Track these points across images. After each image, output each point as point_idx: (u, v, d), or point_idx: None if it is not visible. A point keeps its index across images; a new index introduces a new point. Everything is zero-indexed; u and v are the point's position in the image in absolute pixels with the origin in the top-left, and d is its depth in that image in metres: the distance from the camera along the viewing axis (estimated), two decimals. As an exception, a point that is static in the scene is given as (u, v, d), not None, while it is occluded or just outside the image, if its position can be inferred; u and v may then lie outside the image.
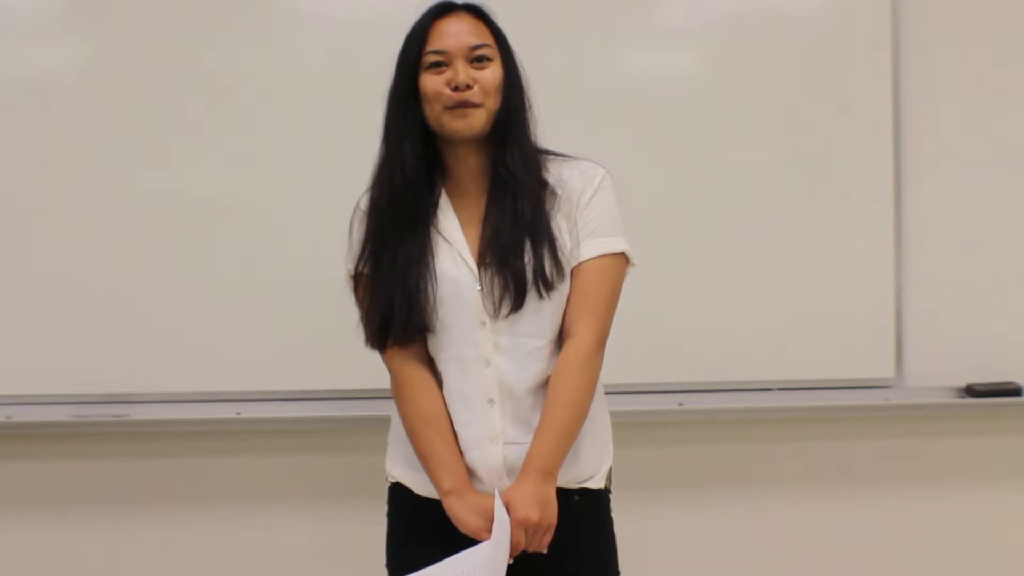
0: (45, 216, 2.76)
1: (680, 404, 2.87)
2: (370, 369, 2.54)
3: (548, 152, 2.07)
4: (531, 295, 1.96)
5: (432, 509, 2.01)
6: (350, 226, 2.10)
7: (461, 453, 2.00)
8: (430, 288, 1.98)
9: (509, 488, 1.94)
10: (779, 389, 2.93)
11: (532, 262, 1.96)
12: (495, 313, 1.97)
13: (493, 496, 1.93)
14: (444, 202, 2.04)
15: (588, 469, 2.05)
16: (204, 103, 2.78)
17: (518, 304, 1.96)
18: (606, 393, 2.11)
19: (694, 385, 2.89)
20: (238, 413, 2.79)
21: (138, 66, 2.77)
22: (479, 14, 2.02)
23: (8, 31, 2.76)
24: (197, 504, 2.92)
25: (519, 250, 1.96)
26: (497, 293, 1.96)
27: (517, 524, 1.89)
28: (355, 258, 2.06)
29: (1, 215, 2.75)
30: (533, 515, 1.89)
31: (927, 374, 2.98)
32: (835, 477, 3.07)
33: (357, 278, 2.07)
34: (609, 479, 2.11)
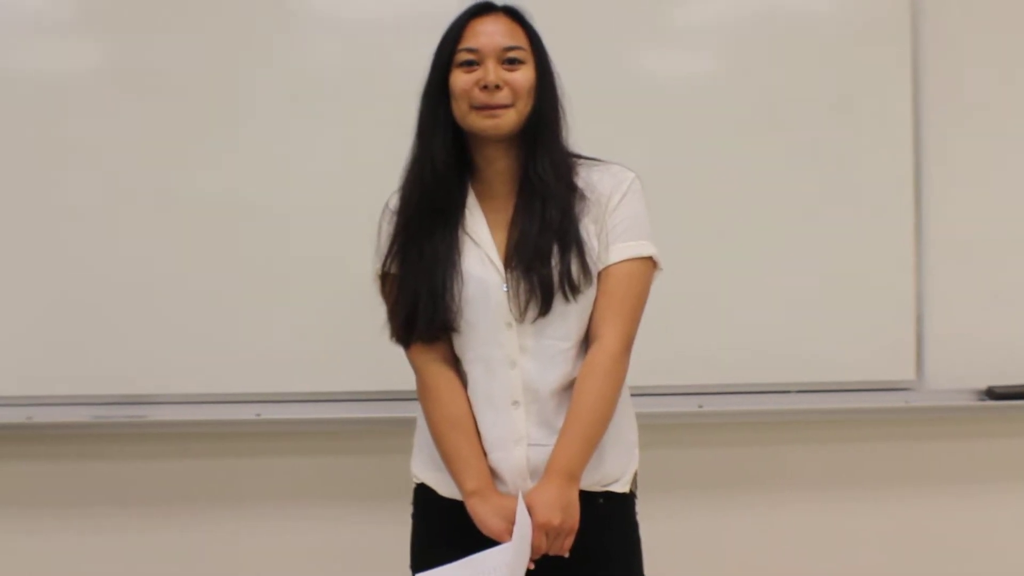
0: (66, 217, 2.76)
1: (700, 406, 2.87)
2: (391, 371, 2.54)
3: (579, 156, 2.07)
4: (558, 299, 1.96)
5: (456, 511, 2.00)
6: (379, 225, 2.10)
7: (485, 454, 2.00)
8: (456, 287, 1.98)
9: (531, 491, 1.94)
10: (799, 391, 2.93)
11: (559, 266, 1.95)
12: (521, 317, 1.97)
13: (516, 498, 1.93)
14: (472, 202, 2.04)
15: (613, 472, 2.05)
16: (224, 104, 2.79)
17: (545, 309, 1.96)
18: (629, 395, 2.11)
19: (714, 387, 2.89)
20: (258, 414, 2.79)
21: (156, 67, 2.78)
22: (516, 16, 2.03)
23: (26, 31, 2.77)
24: (217, 505, 2.92)
25: (546, 255, 1.96)
26: (524, 297, 1.96)
27: (539, 527, 1.89)
28: (383, 256, 2.06)
29: (22, 215, 2.76)
30: (555, 519, 1.89)
31: (947, 376, 2.97)
32: (855, 480, 3.06)
33: (384, 277, 2.07)
34: (635, 483, 2.10)
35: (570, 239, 1.97)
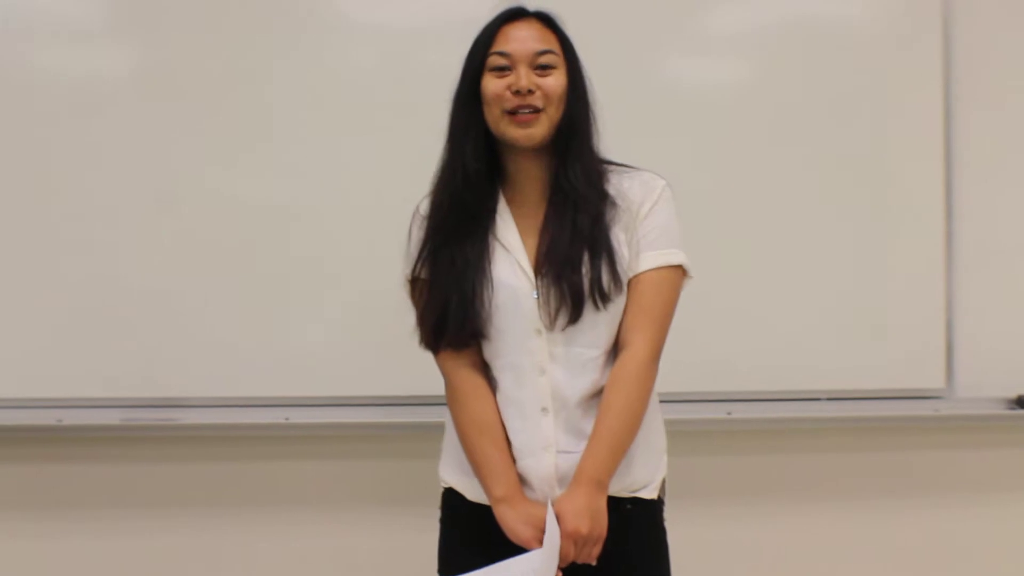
0: (97, 219, 2.77)
1: (729, 413, 2.86)
2: (420, 375, 2.55)
3: (609, 163, 2.06)
4: (588, 307, 1.96)
5: (484, 515, 2.00)
6: (409, 230, 2.10)
7: (513, 460, 2.00)
8: (486, 294, 1.98)
9: (560, 498, 1.94)
10: (828, 399, 2.92)
11: (589, 274, 1.95)
12: (551, 324, 1.97)
13: (544, 505, 1.93)
14: (503, 208, 2.03)
15: (641, 478, 2.04)
16: (254, 109, 2.79)
17: (575, 316, 1.96)
18: (658, 402, 2.11)
19: (743, 394, 2.88)
20: (287, 418, 2.79)
21: (183, 71, 2.78)
22: (548, 22, 2.02)
23: (54, 36, 2.78)
24: (246, 508, 2.93)
25: (577, 262, 1.95)
26: (554, 305, 1.96)
27: (567, 536, 1.89)
28: (413, 261, 2.06)
29: (54, 217, 2.77)
30: (583, 527, 1.89)
31: (978, 385, 2.96)
32: (884, 488, 3.05)
33: (414, 282, 2.07)
34: (663, 489, 2.10)
35: (600, 247, 1.96)
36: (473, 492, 2.06)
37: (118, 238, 2.77)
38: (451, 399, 2.07)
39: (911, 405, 2.94)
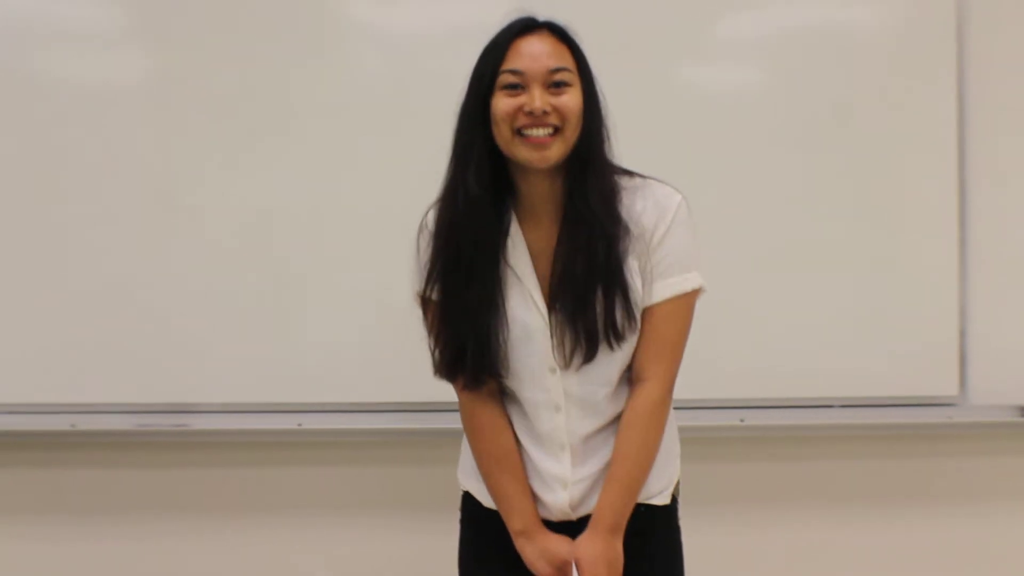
0: (109, 226, 2.78)
1: (742, 420, 2.86)
2: (432, 381, 2.54)
3: (622, 172, 1.98)
4: (602, 347, 1.92)
5: (499, 520, 2.03)
6: (416, 245, 2.04)
7: (531, 491, 2.01)
8: (502, 335, 1.93)
9: (579, 542, 1.96)
10: (841, 406, 2.90)
11: (603, 315, 1.89)
12: (566, 364, 1.94)
13: (561, 539, 1.98)
14: (514, 229, 1.96)
15: (655, 487, 2.04)
16: (267, 116, 2.80)
17: (590, 357, 1.92)
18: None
19: (756, 401, 2.87)
20: (300, 424, 2.80)
21: (198, 78, 2.80)
22: (561, 35, 1.92)
23: (72, 42, 2.80)
24: (259, 514, 2.94)
25: (590, 298, 1.89)
26: (568, 347, 1.92)
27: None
28: (423, 279, 2.01)
29: (67, 222, 2.78)
30: (602, 574, 1.92)
31: (991, 392, 2.94)
32: (897, 495, 3.03)
33: (426, 302, 2.02)
34: (676, 489, 2.11)
35: (615, 283, 1.89)
36: (488, 498, 2.07)
37: (132, 243, 2.78)
38: (468, 428, 2.07)
39: (924, 412, 2.92)
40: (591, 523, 1.95)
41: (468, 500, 2.14)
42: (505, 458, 2.00)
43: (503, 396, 2.03)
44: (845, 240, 2.89)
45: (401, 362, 2.68)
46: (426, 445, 2.85)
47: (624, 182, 1.96)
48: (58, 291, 2.78)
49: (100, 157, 2.78)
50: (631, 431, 1.95)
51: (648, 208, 1.94)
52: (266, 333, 2.79)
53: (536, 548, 1.97)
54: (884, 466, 3.03)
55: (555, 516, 2.01)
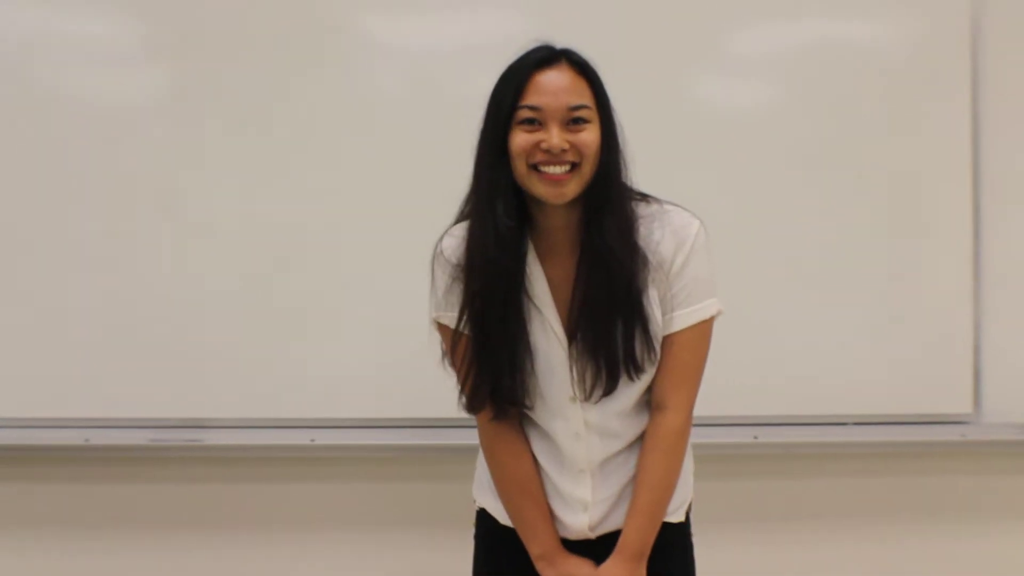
0: (124, 242, 2.79)
1: (755, 437, 2.85)
2: (446, 398, 2.54)
3: (639, 198, 1.97)
4: (623, 379, 1.92)
5: (515, 538, 2.04)
6: (431, 271, 2.03)
7: (551, 511, 2.03)
8: (527, 366, 1.94)
9: (603, 569, 1.97)
10: (854, 423, 2.90)
11: (623, 346, 1.89)
12: (587, 396, 1.94)
13: (582, 562, 1.99)
14: (532, 259, 1.95)
15: (671, 505, 2.05)
16: (282, 132, 2.81)
17: (610, 390, 1.93)
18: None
19: (769, 419, 2.87)
20: (313, 439, 2.80)
21: (215, 94, 2.81)
22: (581, 68, 1.89)
23: (88, 61, 2.81)
24: (271, 529, 2.93)
25: (611, 331, 1.89)
26: (589, 380, 1.93)
27: None
28: (440, 306, 2.02)
29: (81, 240, 2.79)
30: None
31: (1006, 410, 2.93)
32: (911, 513, 3.02)
33: (448, 331, 2.02)
34: (689, 507, 2.12)
35: (635, 315, 1.90)
36: (504, 516, 2.08)
37: (146, 259, 2.79)
38: (488, 454, 2.08)
39: (938, 430, 2.92)
40: (617, 549, 1.96)
41: (484, 517, 2.14)
42: (526, 484, 2.01)
43: (523, 420, 2.04)
44: (859, 257, 2.88)
45: (415, 378, 2.69)
46: (439, 461, 2.84)
47: (641, 209, 1.95)
48: (72, 306, 2.78)
49: (114, 173, 2.79)
50: (654, 458, 1.96)
51: (666, 237, 1.93)
52: (280, 348, 2.80)
53: (556, 571, 1.99)
54: (898, 484, 3.02)
55: (574, 535, 2.03)
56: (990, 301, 2.92)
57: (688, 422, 1.99)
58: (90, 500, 2.92)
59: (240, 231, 2.80)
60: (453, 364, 2.02)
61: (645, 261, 1.90)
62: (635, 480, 1.97)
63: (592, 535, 2.02)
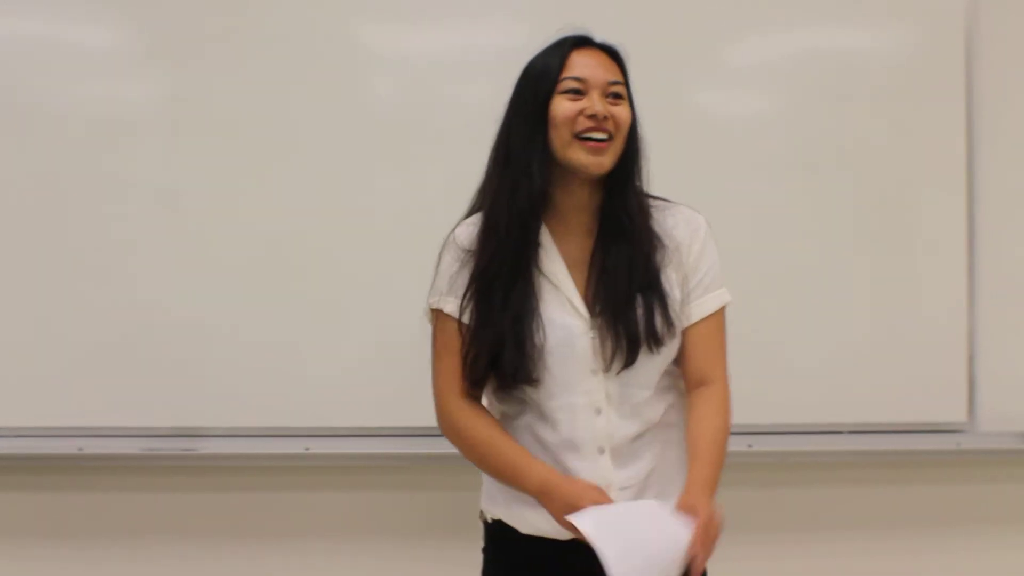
0: (118, 250, 2.79)
1: (750, 446, 2.85)
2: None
3: (648, 196, 2.06)
4: (643, 351, 1.95)
5: (536, 546, 2.02)
6: (438, 258, 2.06)
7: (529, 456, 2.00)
8: (539, 337, 1.95)
9: (683, 498, 1.89)
10: (849, 432, 2.90)
11: (643, 318, 1.95)
12: (607, 367, 1.96)
13: (586, 485, 1.91)
14: (547, 240, 2.00)
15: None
16: (279, 142, 2.81)
17: (631, 360, 1.95)
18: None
19: (764, 427, 2.87)
20: (307, 448, 2.80)
21: (216, 104, 2.81)
22: (612, 53, 2.02)
23: (83, 68, 2.81)
24: (265, 539, 2.93)
25: (631, 304, 1.95)
26: (609, 349, 1.95)
27: (704, 522, 1.84)
28: (439, 292, 2.04)
29: (75, 248, 2.79)
30: (716, 516, 1.86)
31: (1000, 419, 2.94)
32: (905, 522, 3.03)
33: (439, 316, 2.04)
34: None
35: (654, 290, 1.97)
36: (524, 524, 2.05)
37: (140, 268, 2.79)
38: (454, 433, 2.06)
39: (933, 439, 2.92)
40: (685, 488, 1.91)
41: (497, 529, 2.11)
42: (497, 435, 2.00)
43: (520, 418, 2.04)
44: (853, 267, 2.89)
45: (409, 386, 2.67)
46: (434, 470, 2.84)
47: (651, 203, 2.06)
48: (66, 315, 2.78)
49: (108, 181, 2.79)
50: (707, 410, 1.98)
51: (679, 224, 2.04)
52: (273, 357, 2.79)
53: (555, 504, 1.90)
54: (892, 492, 3.03)
55: None
56: (984, 309, 2.92)
57: (729, 395, 2.03)
58: (83, 509, 2.91)
59: (235, 240, 2.80)
60: (437, 354, 2.05)
61: (661, 242, 2.00)
62: (690, 435, 1.97)
63: None
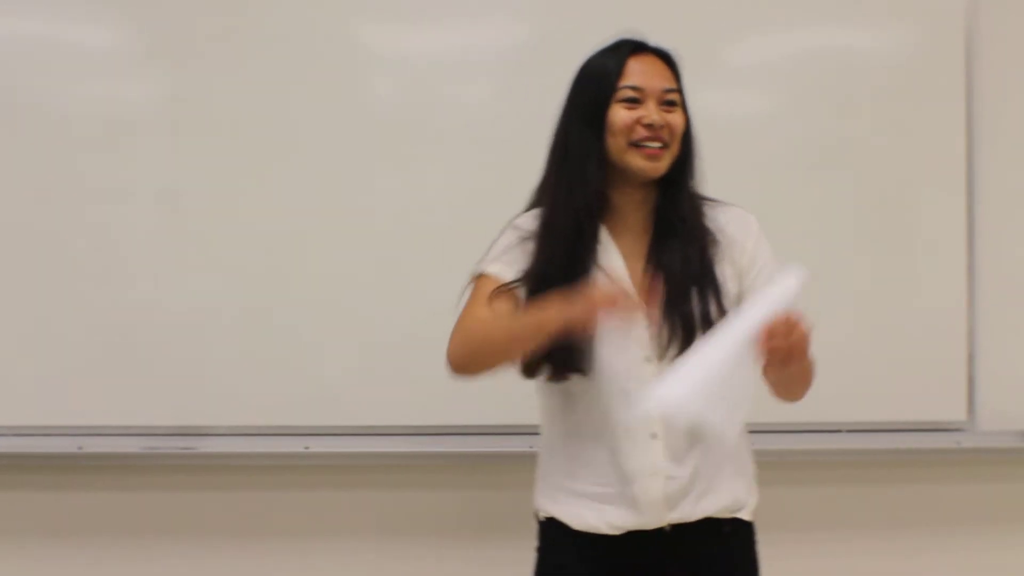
0: (118, 249, 2.80)
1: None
2: (442, 405, 2.55)
3: (702, 197, 2.12)
4: (697, 338, 1.96)
5: (590, 543, 2.03)
6: (499, 237, 2.09)
7: (609, 497, 2.02)
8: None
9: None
10: (848, 431, 2.90)
11: (699, 307, 1.99)
12: (662, 355, 1.99)
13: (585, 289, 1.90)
14: (604, 236, 2.05)
15: (740, 499, 2.11)
16: (279, 142, 2.81)
17: (685, 348, 1.96)
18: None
19: (763, 426, 2.79)
20: (307, 447, 2.80)
21: (217, 104, 2.81)
22: (669, 61, 2.07)
23: (84, 69, 2.82)
24: (265, 538, 2.93)
25: (687, 295, 1.99)
26: (666, 336, 1.98)
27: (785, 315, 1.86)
28: (494, 259, 2.05)
29: (75, 247, 2.79)
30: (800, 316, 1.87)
31: (1000, 417, 2.93)
32: (905, 521, 3.02)
33: (485, 280, 2.03)
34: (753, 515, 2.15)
35: (708, 282, 2.02)
36: (577, 519, 2.06)
37: (140, 267, 2.79)
38: (476, 334, 1.98)
39: (932, 438, 2.92)
40: None
41: (552, 527, 2.11)
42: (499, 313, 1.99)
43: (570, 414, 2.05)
44: (853, 265, 2.89)
45: (409, 385, 2.71)
46: (435, 468, 2.85)
47: (705, 202, 2.12)
48: (66, 314, 2.78)
49: (109, 183, 2.80)
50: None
51: (732, 220, 2.10)
52: (273, 356, 2.79)
53: (560, 309, 1.85)
54: (891, 491, 3.02)
55: (646, 516, 2.00)
56: (984, 308, 2.92)
57: None
58: (83, 508, 2.91)
59: (235, 239, 2.80)
60: (467, 304, 2.02)
61: (715, 238, 2.06)
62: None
63: (668, 518, 2.00)
